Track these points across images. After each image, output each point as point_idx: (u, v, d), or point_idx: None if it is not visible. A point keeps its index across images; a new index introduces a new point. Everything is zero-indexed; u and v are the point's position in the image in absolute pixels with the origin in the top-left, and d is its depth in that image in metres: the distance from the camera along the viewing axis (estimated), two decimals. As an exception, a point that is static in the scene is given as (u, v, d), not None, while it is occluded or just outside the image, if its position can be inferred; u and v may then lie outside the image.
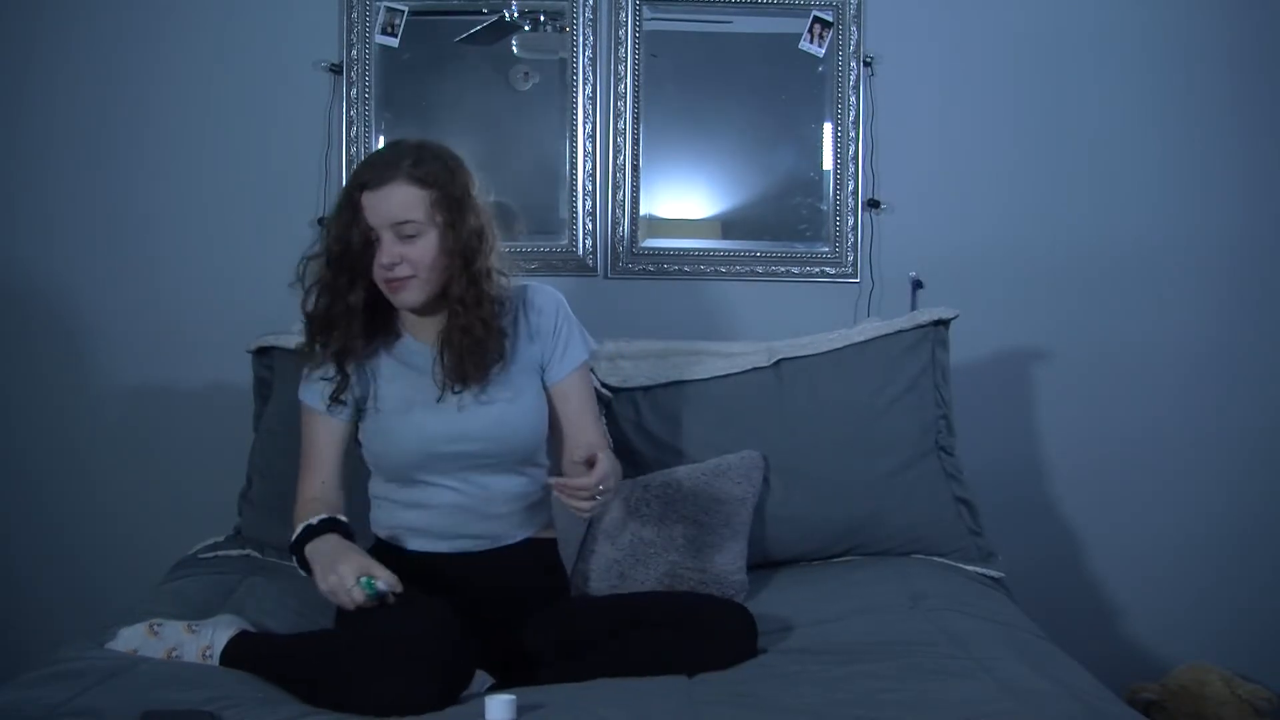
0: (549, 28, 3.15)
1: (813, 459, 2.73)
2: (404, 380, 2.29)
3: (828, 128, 3.21)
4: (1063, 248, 3.22)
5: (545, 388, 2.34)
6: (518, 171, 3.21)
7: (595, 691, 1.97)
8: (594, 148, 3.19)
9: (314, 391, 2.30)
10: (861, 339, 2.84)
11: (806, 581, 2.61)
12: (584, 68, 3.18)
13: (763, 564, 2.69)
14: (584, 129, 3.19)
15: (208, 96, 3.14)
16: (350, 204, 2.21)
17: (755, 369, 2.82)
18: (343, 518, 2.22)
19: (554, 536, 2.39)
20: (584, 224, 3.20)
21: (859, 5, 3.18)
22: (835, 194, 3.21)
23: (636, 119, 3.19)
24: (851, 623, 2.28)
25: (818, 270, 3.22)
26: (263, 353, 2.86)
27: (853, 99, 3.19)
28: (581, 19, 3.17)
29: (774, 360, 2.82)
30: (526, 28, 3.12)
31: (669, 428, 2.78)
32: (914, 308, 3.06)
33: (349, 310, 2.23)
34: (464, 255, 2.22)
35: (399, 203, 2.19)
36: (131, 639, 2.14)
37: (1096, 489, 3.25)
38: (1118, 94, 3.22)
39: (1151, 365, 3.24)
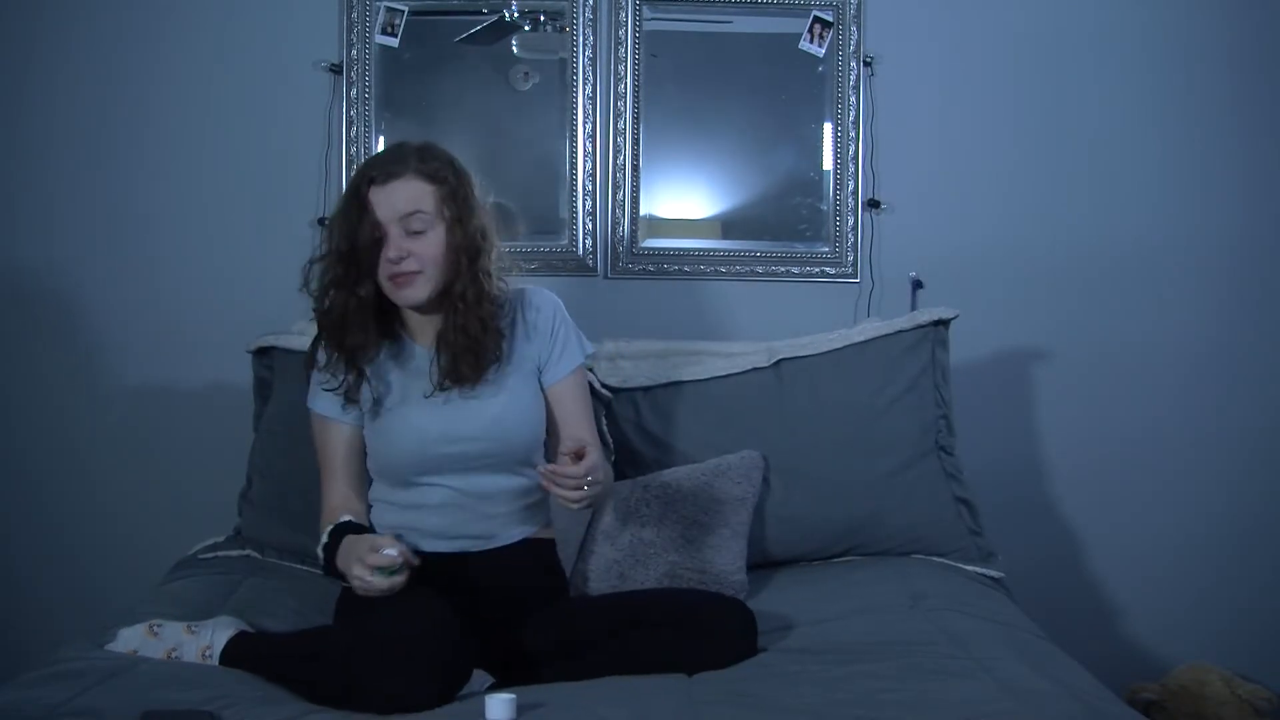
0: (549, 28, 3.15)
1: (813, 459, 2.73)
2: (403, 382, 2.29)
3: (828, 128, 3.21)
4: (1063, 248, 3.22)
5: (542, 390, 2.34)
6: (518, 171, 3.21)
7: (595, 691, 1.97)
8: (594, 148, 3.19)
9: (324, 399, 2.30)
10: (861, 339, 2.84)
11: (806, 581, 2.61)
12: (584, 68, 3.18)
13: (763, 564, 2.69)
14: (584, 129, 3.19)
15: (208, 96, 3.14)
16: (357, 200, 2.22)
17: (755, 369, 2.82)
18: (347, 517, 2.23)
19: (553, 537, 2.39)
20: (584, 224, 3.20)
21: (859, 5, 3.18)
22: (835, 194, 3.21)
23: (636, 119, 3.19)
24: (851, 623, 2.28)
25: (818, 270, 3.22)
26: (263, 353, 2.86)
27: (853, 99, 3.19)
28: (581, 19, 3.17)
29: (774, 360, 2.82)
30: (526, 28, 3.12)
31: (669, 428, 2.78)
32: (914, 308, 3.06)
33: (361, 304, 2.24)
34: (468, 253, 2.23)
35: (408, 195, 2.20)
36: (131, 640, 2.14)
37: (1096, 489, 3.25)
38: (1118, 94, 3.22)
39: (1151, 365, 3.24)
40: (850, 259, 3.21)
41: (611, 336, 2.90)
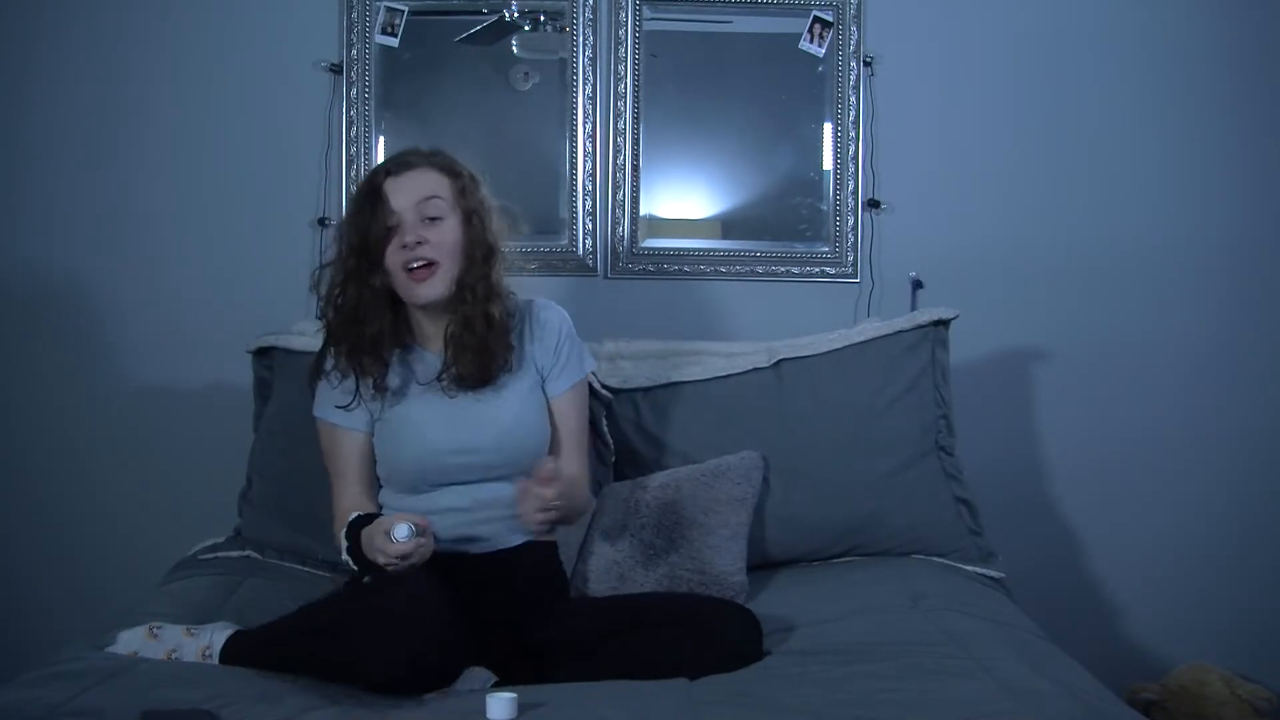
0: (549, 28, 3.15)
1: (813, 459, 2.73)
2: (414, 390, 2.30)
3: (828, 128, 3.21)
4: (1063, 248, 3.22)
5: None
6: (518, 171, 3.21)
7: (595, 691, 1.97)
8: (594, 148, 3.19)
9: (329, 405, 2.31)
10: (861, 339, 2.84)
11: (806, 582, 2.61)
12: (584, 68, 3.18)
13: (763, 564, 2.69)
14: (584, 129, 3.19)
15: (208, 96, 3.14)
16: (372, 193, 2.24)
17: (755, 369, 2.82)
18: (356, 513, 2.24)
19: (554, 539, 2.40)
20: (584, 224, 3.20)
21: (859, 5, 3.18)
22: (835, 194, 3.21)
23: (636, 119, 3.19)
24: (851, 623, 2.28)
25: (818, 270, 3.22)
26: (263, 353, 2.85)
27: (853, 99, 3.19)
28: (581, 19, 3.17)
29: (774, 360, 2.82)
30: (526, 28, 3.12)
31: (669, 428, 2.78)
32: (914, 308, 3.06)
33: (375, 294, 2.25)
34: (482, 250, 2.26)
35: (425, 182, 2.25)
36: (131, 642, 2.14)
37: (1096, 489, 3.25)
38: (1118, 94, 3.22)
39: (1151, 365, 3.24)
40: (850, 259, 3.21)
41: (611, 336, 2.90)
